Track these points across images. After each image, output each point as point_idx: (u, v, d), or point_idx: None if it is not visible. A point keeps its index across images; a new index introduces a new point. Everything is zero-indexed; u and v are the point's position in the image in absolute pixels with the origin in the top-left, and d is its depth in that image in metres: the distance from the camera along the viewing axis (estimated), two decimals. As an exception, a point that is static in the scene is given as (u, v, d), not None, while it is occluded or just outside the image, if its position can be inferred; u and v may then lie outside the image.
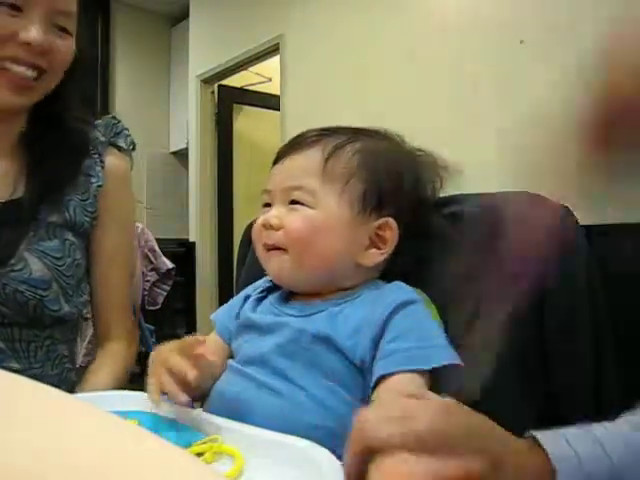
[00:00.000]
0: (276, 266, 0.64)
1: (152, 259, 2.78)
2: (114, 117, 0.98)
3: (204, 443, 0.48)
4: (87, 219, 0.86)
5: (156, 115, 4.60)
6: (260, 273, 0.78)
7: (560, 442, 0.39)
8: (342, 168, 0.63)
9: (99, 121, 0.95)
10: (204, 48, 3.85)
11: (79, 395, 0.63)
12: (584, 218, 0.70)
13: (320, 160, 0.63)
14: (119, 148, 0.96)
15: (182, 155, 4.47)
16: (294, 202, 0.63)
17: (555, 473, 0.37)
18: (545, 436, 0.40)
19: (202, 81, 3.87)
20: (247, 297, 0.72)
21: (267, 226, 0.63)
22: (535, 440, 0.40)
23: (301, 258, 0.62)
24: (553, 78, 1.85)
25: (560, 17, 1.87)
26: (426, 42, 2.34)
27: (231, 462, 0.46)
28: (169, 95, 4.70)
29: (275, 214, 0.63)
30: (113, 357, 0.89)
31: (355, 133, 0.68)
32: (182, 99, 4.25)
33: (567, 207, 0.68)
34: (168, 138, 4.67)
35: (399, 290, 0.62)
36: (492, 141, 2.01)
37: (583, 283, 0.64)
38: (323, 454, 0.43)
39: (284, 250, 0.62)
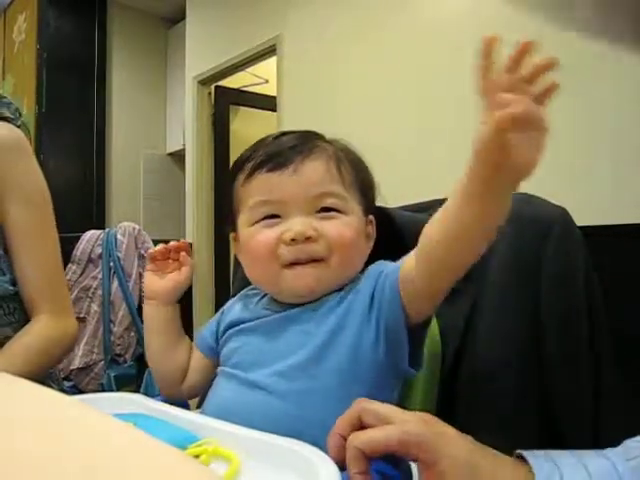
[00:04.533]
0: (312, 278, 0.60)
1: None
2: None
3: (200, 446, 0.48)
4: None
5: (153, 116, 4.59)
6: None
7: (545, 461, 0.39)
8: (349, 174, 0.64)
9: None
10: (201, 49, 3.85)
11: (77, 397, 0.63)
12: (582, 218, 0.70)
13: (334, 167, 0.63)
14: (6, 119, 0.92)
15: (179, 156, 4.46)
16: (326, 209, 0.61)
17: None
18: (532, 454, 0.40)
19: (199, 82, 3.87)
20: (220, 321, 0.71)
21: (301, 239, 0.58)
22: (520, 456, 0.41)
23: (343, 266, 0.61)
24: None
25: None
26: (425, 43, 2.34)
27: (227, 464, 0.45)
28: (166, 96, 4.69)
29: (309, 225, 0.59)
30: (34, 326, 0.86)
31: (325, 140, 0.68)
32: (179, 100, 4.24)
33: (564, 208, 0.69)
34: (165, 139, 4.66)
35: (380, 264, 0.63)
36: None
37: (581, 284, 0.64)
38: (319, 457, 0.43)
39: (321, 261, 0.60)
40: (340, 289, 0.63)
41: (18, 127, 0.94)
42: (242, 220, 0.65)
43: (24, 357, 0.81)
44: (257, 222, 0.62)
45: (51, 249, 0.92)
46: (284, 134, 0.66)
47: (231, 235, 0.72)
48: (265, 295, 0.69)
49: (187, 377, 0.70)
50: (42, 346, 0.85)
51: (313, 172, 0.61)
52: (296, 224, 0.59)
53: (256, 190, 0.62)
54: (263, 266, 0.62)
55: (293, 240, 0.59)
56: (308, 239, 0.59)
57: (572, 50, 1.81)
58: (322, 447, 0.44)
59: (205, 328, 0.73)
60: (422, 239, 0.52)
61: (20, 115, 0.96)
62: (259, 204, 0.62)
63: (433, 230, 0.50)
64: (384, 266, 0.61)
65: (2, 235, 0.87)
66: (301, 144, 0.63)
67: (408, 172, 2.19)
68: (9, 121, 0.92)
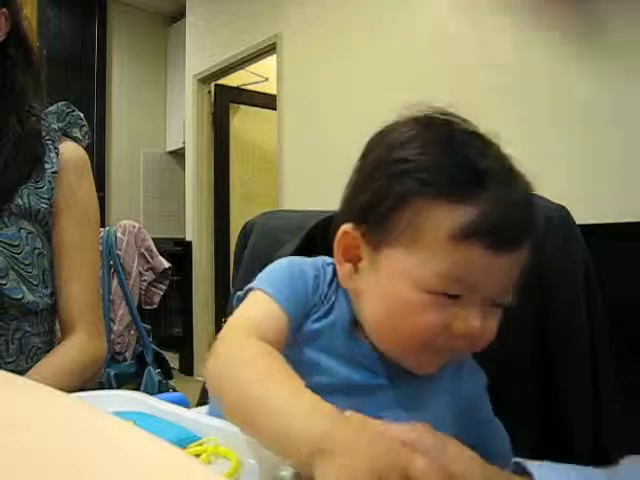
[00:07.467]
0: (437, 366, 0.54)
1: (149, 258, 2.77)
2: (68, 105, 0.96)
3: (200, 445, 0.48)
4: (44, 206, 0.86)
5: (153, 114, 4.59)
6: (258, 273, 0.77)
7: None
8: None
9: (51, 108, 0.94)
10: (201, 47, 3.84)
11: (77, 394, 0.63)
12: (581, 217, 0.70)
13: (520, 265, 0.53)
14: (74, 139, 0.94)
15: (179, 154, 4.46)
16: (497, 305, 0.52)
17: None
18: None
19: (199, 80, 3.86)
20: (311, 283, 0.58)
21: (471, 334, 0.50)
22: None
23: (466, 355, 0.58)
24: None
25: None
26: (424, 41, 2.34)
27: (227, 464, 0.45)
28: (166, 94, 4.68)
29: (481, 322, 0.50)
30: (68, 346, 0.87)
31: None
32: (179, 98, 4.24)
33: (564, 207, 0.69)
34: (165, 137, 4.65)
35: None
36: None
37: (581, 283, 0.64)
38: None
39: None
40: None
41: (84, 148, 0.97)
42: (410, 259, 0.52)
43: (53, 379, 0.80)
44: (432, 292, 0.50)
45: (94, 270, 0.94)
46: (516, 188, 0.51)
47: (346, 226, 0.56)
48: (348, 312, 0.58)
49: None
50: (73, 368, 0.86)
51: (519, 261, 0.52)
52: (474, 320, 0.50)
53: (461, 258, 0.49)
54: (408, 338, 0.52)
55: (467, 335, 0.50)
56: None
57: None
58: None
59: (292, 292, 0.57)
60: None
61: (89, 138, 0.98)
62: (451, 280, 0.50)
63: None
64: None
65: (51, 249, 0.89)
66: (530, 225, 0.52)
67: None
68: (77, 141, 0.95)
